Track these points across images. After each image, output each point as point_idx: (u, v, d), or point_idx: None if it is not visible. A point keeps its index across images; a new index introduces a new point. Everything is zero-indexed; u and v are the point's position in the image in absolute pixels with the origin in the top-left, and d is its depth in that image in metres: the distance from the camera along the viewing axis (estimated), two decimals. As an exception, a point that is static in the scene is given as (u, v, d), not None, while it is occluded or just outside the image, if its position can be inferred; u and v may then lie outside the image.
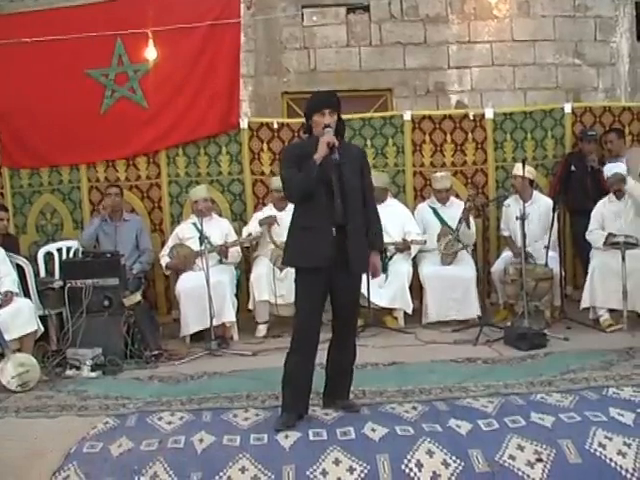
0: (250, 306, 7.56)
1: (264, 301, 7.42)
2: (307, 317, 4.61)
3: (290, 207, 7.32)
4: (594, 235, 7.16)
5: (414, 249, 7.63)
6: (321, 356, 4.77)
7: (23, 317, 6.27)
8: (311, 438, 4.40)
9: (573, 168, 7.98)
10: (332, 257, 4.52)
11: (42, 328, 6.54)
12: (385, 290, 7.41)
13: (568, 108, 8.38)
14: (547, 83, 10.36)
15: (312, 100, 4.81)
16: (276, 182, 7.66)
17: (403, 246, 7.54)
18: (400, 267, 7.52)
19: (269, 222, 7.54)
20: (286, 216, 7.16)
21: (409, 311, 7.52)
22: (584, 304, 7.06)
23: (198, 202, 7.61)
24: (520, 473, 4.00)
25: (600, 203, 7.30)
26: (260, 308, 7.47)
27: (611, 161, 7.52)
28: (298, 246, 4.67)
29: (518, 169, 7.39)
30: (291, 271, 4.84)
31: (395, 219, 7.62)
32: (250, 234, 7.58)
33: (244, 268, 8.01)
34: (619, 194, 7.14)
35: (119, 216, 7.82)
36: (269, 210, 7.84)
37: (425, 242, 7.59)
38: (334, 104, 4.70)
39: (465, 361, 6.08)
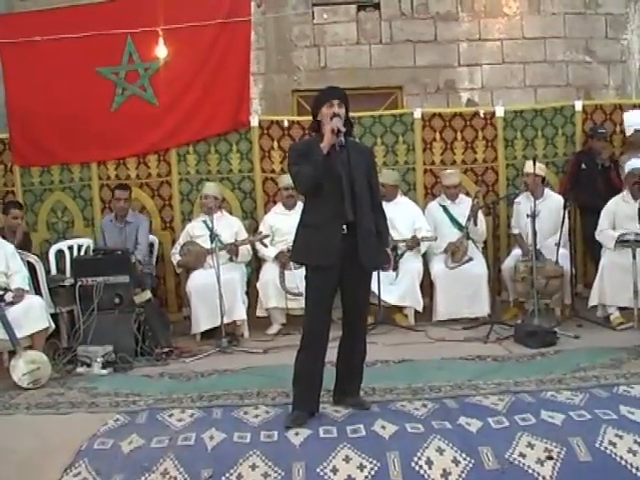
0: (258, 313, 7.58)
1: (273, 308, 7.47)
2: (317, 315, 4.61)
3: (299, 206, 7.42)
4: (604, 236, 7.10)
5: (424, 246, 7.62)
6: (331, 354, 4.78)
7: (34, 314, 6.24)
8: (321, 435, 4.40)
9: (583, 166, 7.93)
10: (341, 255, 4.52)
11: (53, 325, 6.53)
12: (395, 287, 7.41)
13: (579, 106, 8.33)
14: (557, 80, 10.36)
15: (320, 93, 4.80)
16: (285, 180, 7.66)
17: (413, 243, 7.53)
18: (410, 265, 7.52)
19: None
20: (295, 215, 7.20)
21: (419, 309, 7.53)
22: (592, 302, 7.06)
23: (204, 198, 7.64)
24: (530, 471, 3.99)
25: (612, 201, 7.21)
26: (274, 313, 7.51)
27: (633, 156, 7.46)
28: (307, 244, 4.65)
29: (529, 167, 7.38)
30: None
31: (405, 216, 7.63)
32: (260, 232, 7.58)
33: (255, 266, 8.00)
34: (636, 192, 7.05)
35: (123, 218, 7.75)
36: (278, 209, 7.87)
37: (435, 239, 7.57)
38: (342, 96, 4.70)
39: (475, 359, 6.08)
